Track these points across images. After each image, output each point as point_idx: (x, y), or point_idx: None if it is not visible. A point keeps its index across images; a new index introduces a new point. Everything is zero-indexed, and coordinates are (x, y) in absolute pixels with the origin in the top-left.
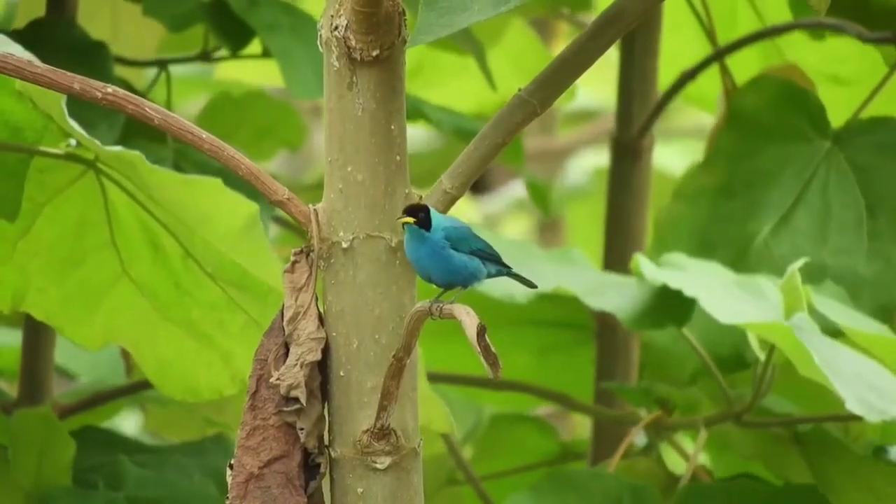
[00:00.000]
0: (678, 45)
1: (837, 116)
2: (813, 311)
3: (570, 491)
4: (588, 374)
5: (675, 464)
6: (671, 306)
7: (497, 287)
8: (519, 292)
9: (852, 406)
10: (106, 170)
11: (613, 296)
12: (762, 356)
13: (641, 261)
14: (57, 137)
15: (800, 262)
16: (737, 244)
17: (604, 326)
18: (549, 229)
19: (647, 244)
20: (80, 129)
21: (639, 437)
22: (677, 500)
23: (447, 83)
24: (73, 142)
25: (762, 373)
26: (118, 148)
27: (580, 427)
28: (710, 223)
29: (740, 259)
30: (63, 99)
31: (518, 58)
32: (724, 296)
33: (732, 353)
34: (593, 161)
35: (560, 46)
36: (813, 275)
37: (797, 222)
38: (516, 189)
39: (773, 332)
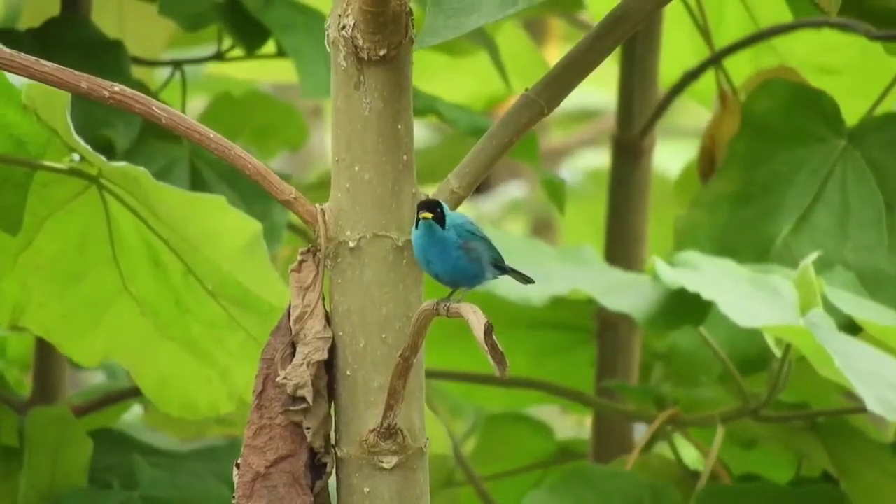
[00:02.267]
0: (677, 44)
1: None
2: (827, 305)
3: (588, 490)
4: (586, 376)
5: (686, 455)
6: (688, 307)
7: (512, 290)
8: (535, 296)
9: (873, 406)
10: (108, 185)
11: (629, 296)
12: (779, 353)
13: (658, 264)
14: (60, 151)
15: (813, 256)
16: (757, 247)
17: (605, 325)
18: (542, 230)
19: (647, 244)
20: (83, 143)
21: (640, 432)
22: (696, 502)
23: (438, 77)
24: (76, 157)
25: (779, 369)
26: (122, 163)
27: (576, 428)
28: (729, 229)
29: (760, 262)
30: (67, 113)
31: (510, 58)
32: (741, 297)
33: (755, 355)
34: (587, 161)
35: (554, 47)
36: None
37: (816, 221)
38: (512, 189)
39: (792, 334)
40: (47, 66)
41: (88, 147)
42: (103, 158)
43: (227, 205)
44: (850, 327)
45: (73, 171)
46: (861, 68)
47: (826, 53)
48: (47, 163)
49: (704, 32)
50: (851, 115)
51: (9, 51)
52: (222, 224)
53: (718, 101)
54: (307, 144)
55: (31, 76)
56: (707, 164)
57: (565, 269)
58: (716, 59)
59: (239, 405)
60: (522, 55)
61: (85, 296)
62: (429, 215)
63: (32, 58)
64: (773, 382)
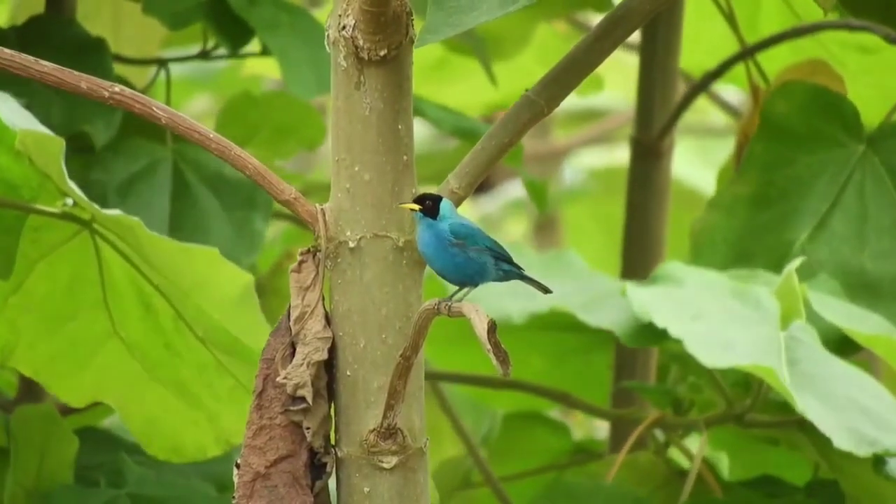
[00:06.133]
0: (704, 38)
1: (866, 92)
2: (811, 313)
3: (571, 503)
4: (603, 377)
5: (683, 462)
6: None
7: (492, 305)
8: (516, 313)
9: (840, 442)
10: (101, 230)
11: (611, 311)
12: None
13: (630, 289)
14: (53, 196)
15: (796, 262)
16: (775, 252)
17: None
18: (545, 229)
19: (666, 246)
20: (78, 191)
21: (657, 432)
22: None
23: (470, 78)
24: (69, 200)
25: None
26: (116, 212)
27: (594, 427)
28: (747, 233)
29: (778, 267)
30: (62, 159)
31: (544, 56)
32: (716, 322)
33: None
34: (590, 160)
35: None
36: (852, 279)
37: (834, 227)
38: (514, 189)
39: (761, 372)
40: (46, 66)
41: (82, 194)
42: (96, 206)
43: (220, 256)
44: (836, 341)
45: (65, 216)
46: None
47: (866, 33)
48: (40, 206)
49: (733, 26)
50: (891, 95)
51: (9, 51)
52: (214, 275)
53: (751, 96)
54: None
55: (30, 76)
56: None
57: (548, 277)
58: (744, 56)
59: (226, 448)
60: (556, 53)
61: (74, 338)
62: (416, 207)
63: (32, 58)
64: (756, 388)
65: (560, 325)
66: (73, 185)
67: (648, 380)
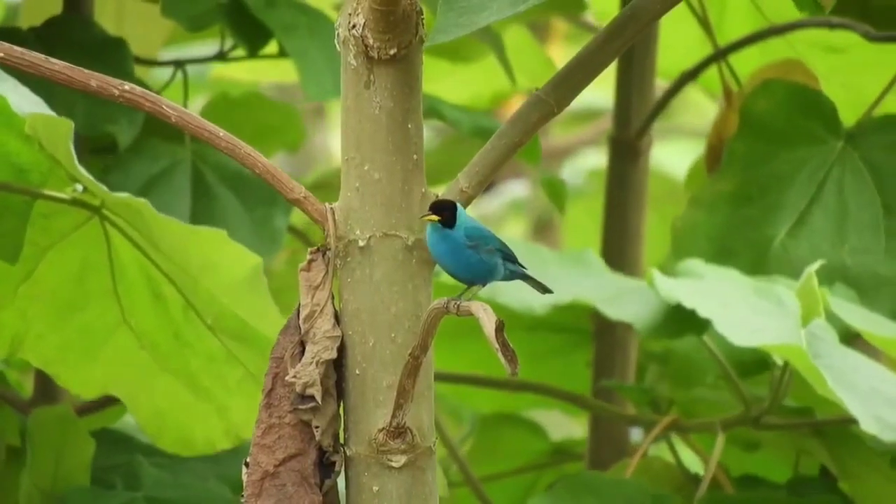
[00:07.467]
0: (681, 38)
1: (835, 92)
2: (829, 314)
3: (589, 496)
4: (584, 377)
5: (681, 453)
6: (691, 315)
7: (514, 298)
8: (538, 304)
9: (867, 426)
10: (111, 216)
11: (631, 304)
12: (780, 361)
13: (656, 275)
14: (63, 182)
15: (816, 265)
16: (755, 248)
17: (601, 326)
18: (544, 230)
19: (645, 244)
20: (87, 174)
21: (636, 435)
22: None
23: (440, 80)
24: (79, 187)
25: (780, 377)
26: (125, 194)
27: (578, 429)
28: (728, 229)
29: (759, 263)
30: (70, 142)
31: (515, 56)
32: (741, 310)
33: (755, 361)
34: (589, 161)
35: (557, 46)
36: (832, 275)
37: (814, 223)
38: (512, 189)
39: (789, 353)
40: (57, 64)
41: (91, 177)
42: (105, 188)
43: (228, 238)
44: (854, 340)
45: (75, 202)
46: (869, 46)
47: (834, 33)
48: (50, 192)
49: (706, 28)
50: (862, 95)
51: (19, 49)
52: (222, 257)
53: (723, 98)
54: (310, 145)
55: (40, 74)
56: (714, 162)
57: (566, 274)
58: (718, 57)
59: (235, 443)
60: (527, 53)
61: (84, 327)
62: (435, 218)
63: (42, 56)
64: (774, 390)
65: (541, 326)
66: (81, 169)
67: (627, 379)
